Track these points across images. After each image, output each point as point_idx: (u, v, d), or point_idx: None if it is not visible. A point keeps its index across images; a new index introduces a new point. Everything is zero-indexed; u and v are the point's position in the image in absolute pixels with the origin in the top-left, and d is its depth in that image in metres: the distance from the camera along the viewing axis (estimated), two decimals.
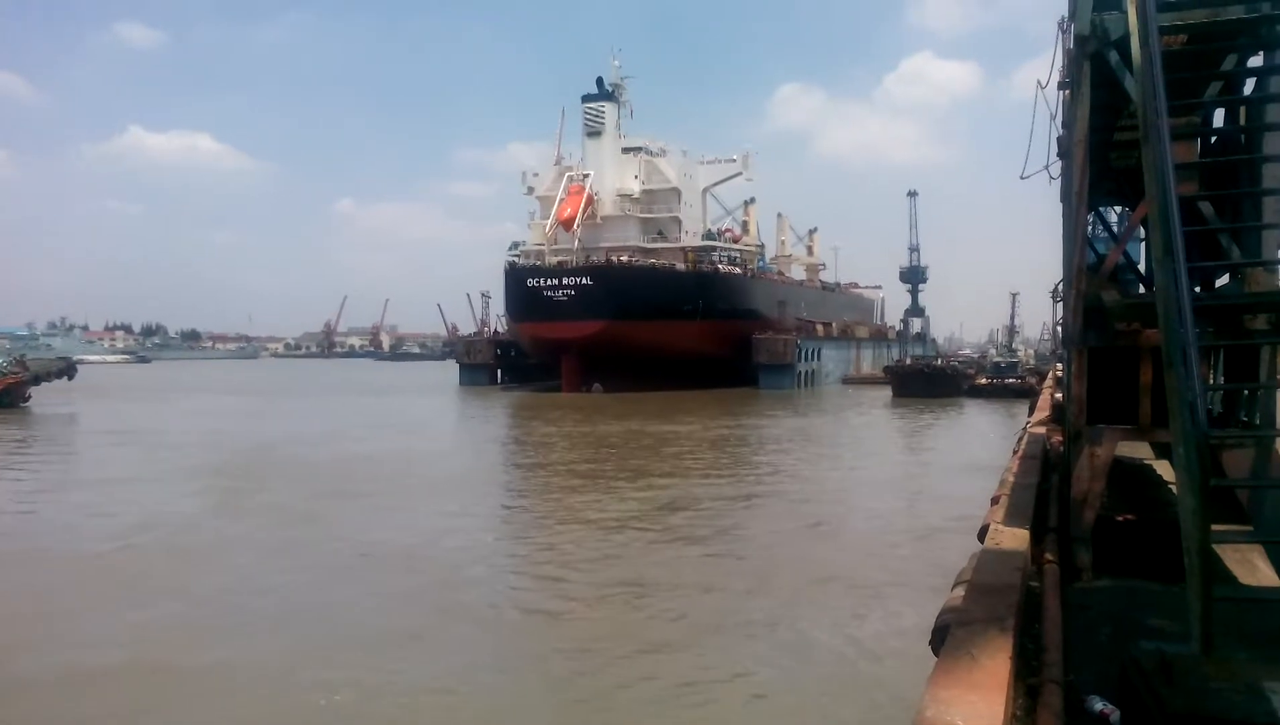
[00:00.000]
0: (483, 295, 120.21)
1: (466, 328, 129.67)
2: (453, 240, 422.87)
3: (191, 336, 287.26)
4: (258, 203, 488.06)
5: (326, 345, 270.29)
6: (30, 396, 62.28)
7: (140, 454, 37.65)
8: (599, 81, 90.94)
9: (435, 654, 13.53)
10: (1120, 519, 8.23)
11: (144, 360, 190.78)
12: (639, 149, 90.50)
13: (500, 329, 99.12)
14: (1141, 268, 12.55)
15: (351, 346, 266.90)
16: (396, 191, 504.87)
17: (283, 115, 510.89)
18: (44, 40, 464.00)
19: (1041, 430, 13.64)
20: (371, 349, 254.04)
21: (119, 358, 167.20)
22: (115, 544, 20.69)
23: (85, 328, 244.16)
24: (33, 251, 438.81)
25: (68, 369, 67.95)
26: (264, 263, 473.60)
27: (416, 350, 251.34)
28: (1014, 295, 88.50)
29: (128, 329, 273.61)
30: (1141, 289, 11.42)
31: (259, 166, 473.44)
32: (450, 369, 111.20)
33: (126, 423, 52.18)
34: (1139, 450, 12.09)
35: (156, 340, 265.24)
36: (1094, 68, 7.31)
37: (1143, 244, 12.59)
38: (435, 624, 14.79)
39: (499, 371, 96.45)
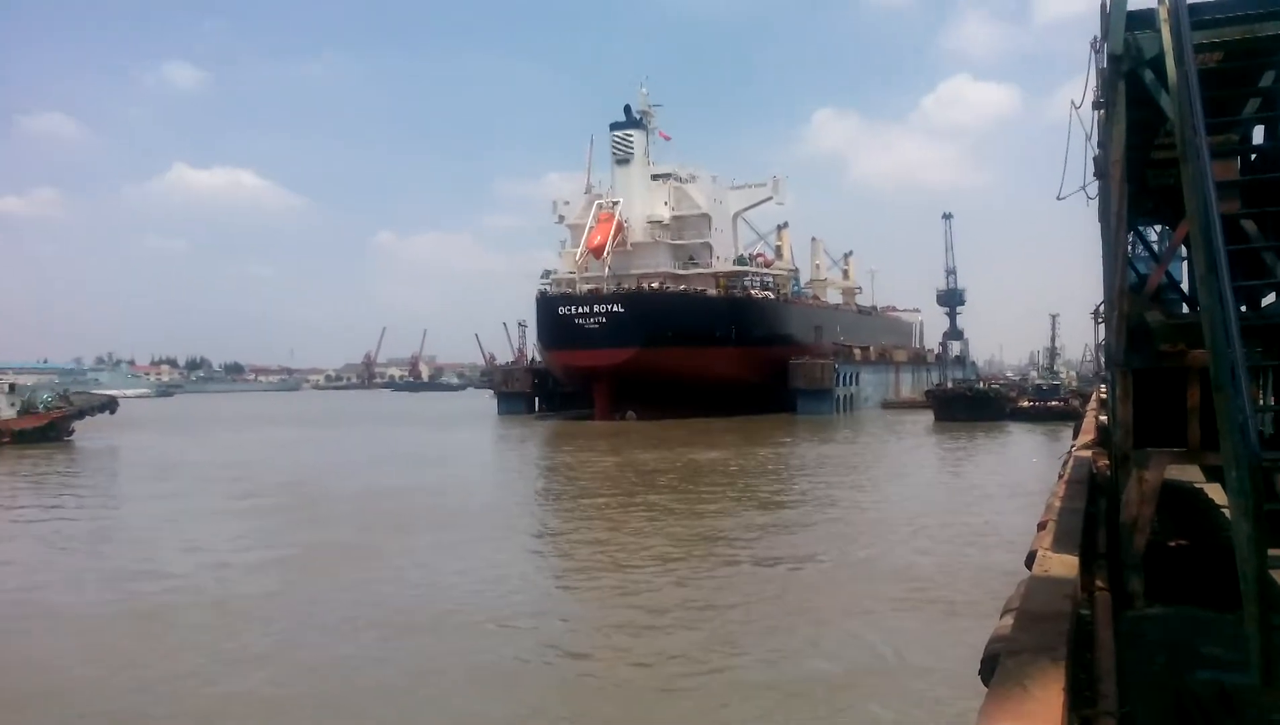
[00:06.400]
0: (519, 324, 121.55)
1: (504, 357, 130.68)
2: (491, 270, 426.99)
3: (235, 369, 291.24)
4: (299, 237, 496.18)
5: (366, 376, 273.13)
6: (74, 430, 63.69)
7: (176, 489, 38.17)
8: (627, 109, 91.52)
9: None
10: (1172, 544, 8.07)
11: (167, 394, 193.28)
12: (668, 175, 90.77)
13: (537, 358, 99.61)
14: (1185, 287, 12.35)
15: (391, 377, 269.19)
16: (435, 223, 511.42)
17: (323, 150, 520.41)
18: (93, 81, 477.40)
19: (1087, 453, 13.41)
20: (410, 379, 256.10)
21: (137, 392, 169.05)
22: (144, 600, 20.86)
23: (132, 362, 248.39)
24: (81, 288, 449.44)
25: (109, 404, 69.50)
26: (306, 296, 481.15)
27: (455, 380, 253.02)
28: (1054, 316, 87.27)
29: (173, 363, 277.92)
30: (1185, 308, 11.24)
31: (300, 201, 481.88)
32: (489, 398, 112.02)
33: (166, 457, 52.96)
34: (1188, 473, 11.86)
35: (200, 373, 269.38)
36: (1129, 87, 7.26)
37: (1184, 263, 12.42)
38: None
39: (536, 400, 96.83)
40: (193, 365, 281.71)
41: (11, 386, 62.62)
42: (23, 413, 60.65)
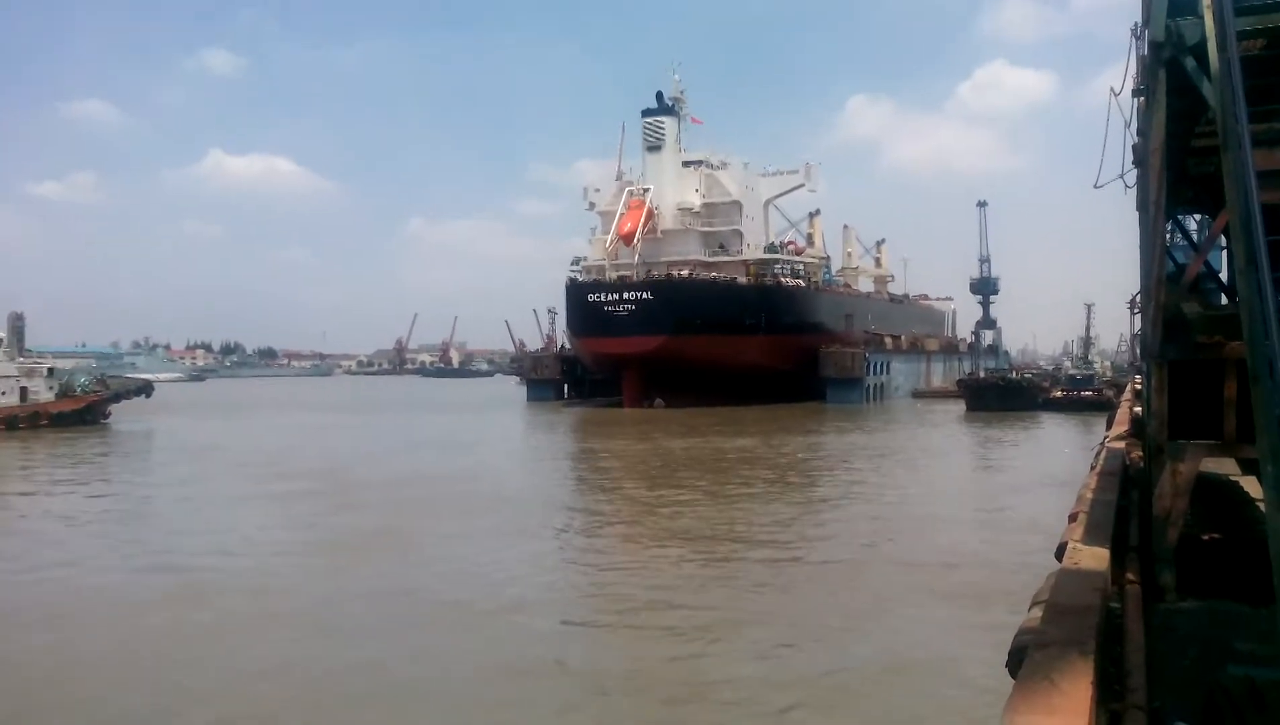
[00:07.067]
0: (549, 311, 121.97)
1: (534, 344, 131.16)
2: (522, 257, 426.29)
3: (268, 354, 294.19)
4: (333, 223, 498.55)
5: (398, 362, 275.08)
6: (110, 413, 64.85)
7: (211, 473, 38.79)
8: (659, 96, 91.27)
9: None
10: (1206, 538, 7.97)
11: (199, 379, 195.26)
12: (699, 162, 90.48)
13: (566, 345, 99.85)
14: (1224, 277, 12.15)
15: (422, 363, 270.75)
16: (467, 210, 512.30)
17: (358, 137, 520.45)
18: (132, 67, 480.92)
19: (1120, 445, 13.25)
20: (441, 365, 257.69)
21: (171, 376, 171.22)
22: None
23: (168, 346, 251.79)
24: (118, 272, 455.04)
25: (145, 387, 70.76)
26: (338, 281, 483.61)
27: (485, 366, 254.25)
28: (1089, 306, 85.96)
29: (207, 347, 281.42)
30: (1224, 300, 11.06)
31: (334, 187, 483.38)
32: (515, 384, 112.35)
33: (200, 441, 53.70)
34: (1224, 466, 11.69)
35: (234, 357, 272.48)
36: (1169, 74, 7.13)
37: (1224, 253, 12.21)
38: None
39: (565, 386, 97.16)
40: (227, 350, 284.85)
41: (50, 370, 63.64)
42: (61, 396, 61.76)
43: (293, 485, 32.99)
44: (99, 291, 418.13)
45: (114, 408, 65.81)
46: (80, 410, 61.69)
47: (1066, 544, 6.51)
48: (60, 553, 22.30)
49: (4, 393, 58.50)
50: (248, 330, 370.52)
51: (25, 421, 57.75)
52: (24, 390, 59.87)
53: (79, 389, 63.58)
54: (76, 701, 12.69)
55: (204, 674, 13.57)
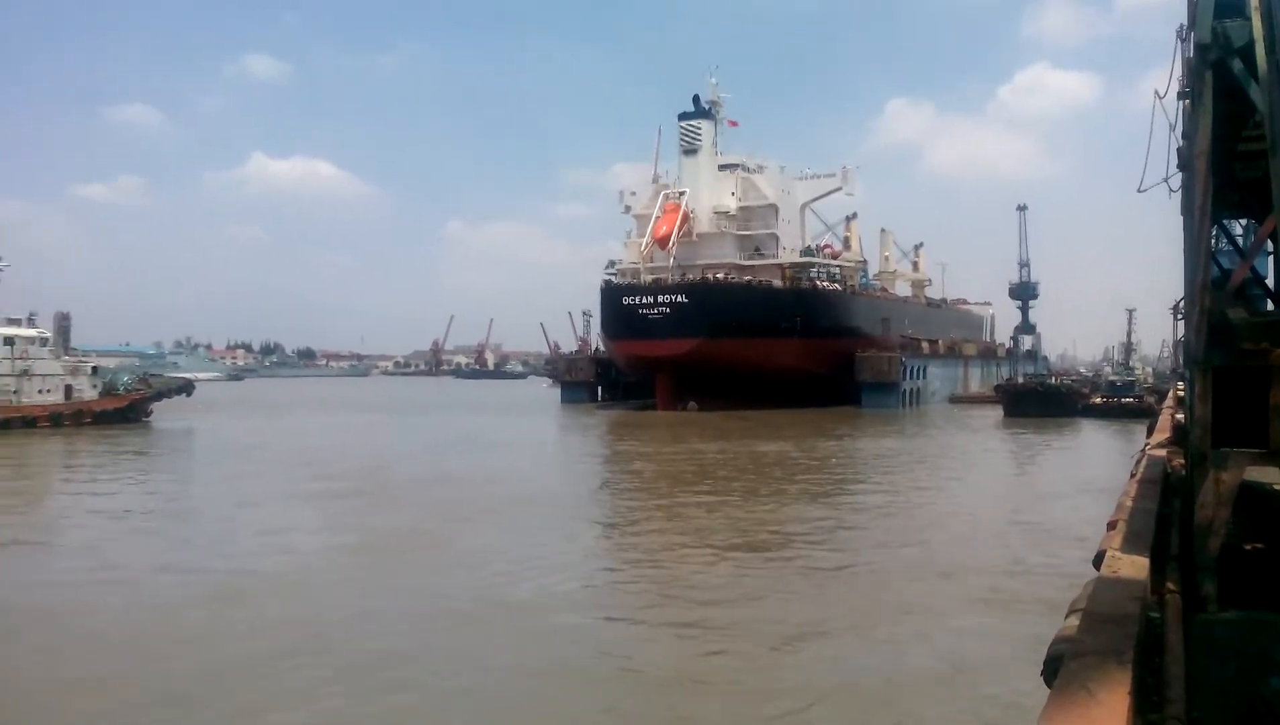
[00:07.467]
0: (584, 314, 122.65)
1: (568, 346, 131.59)
2: (557, 259, 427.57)
3: (307, 355, 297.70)
4: (372, 225, 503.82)
5: (434, 363, 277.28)
6: (152, 411, 65.98)
7: (250, 471, 39.33)
8: (695, 99, 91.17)
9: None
10: (1249, 547, 7.82)
11: (239, 378, 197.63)
12: (735, 166, 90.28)
13: (601, 347, 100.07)
14: (1270, 282, 11.91)
15: (458, 364, 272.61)
16: (504, 213, 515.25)
17: (398, 141, 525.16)
18: (176, 72, 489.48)
19: (1161, 452, 13.04)
20: (476, 367, 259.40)
21: (212, 375, 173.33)
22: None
23: (209, 346, 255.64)
24: (162, 273, 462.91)
25: (186, 386, 71.98)
26: (377, 284, 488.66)
27: (519, 368, 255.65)
28: (1130, 312, 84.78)
29: (247, 348, 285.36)
30: (1270, 306, 10.85)
31: (374, 191, 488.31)
32: (547, 387, 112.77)
33: (240, 439, 54.52)
34: (1268, 474, 11.45)
35: (274, 358, 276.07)
36: (1216, 76, 7.01)
37: (1271, 258, 11.98)
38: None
39: (599, 389, 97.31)
40: (266, 350, 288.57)
41: (94, 368, 64.82)
42: (104, 394, 62.91)
43: (333, 484, 33.29)
44: (143, 292, 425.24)
45: (156, 406, 66.96)
46: (123, 408, 62.81)
47: (1105, 552, 6.42)
48: (100, 549, 22.60)
49: (49, 390, 59.69)
50: (287, 331, 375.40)
51: (69, 419, 58.89)
52: (69, 388, 61.04)
53: (122, 387, 64.69)
54: (105, 699, 12.87)
55: (238, 669, 13.74)
